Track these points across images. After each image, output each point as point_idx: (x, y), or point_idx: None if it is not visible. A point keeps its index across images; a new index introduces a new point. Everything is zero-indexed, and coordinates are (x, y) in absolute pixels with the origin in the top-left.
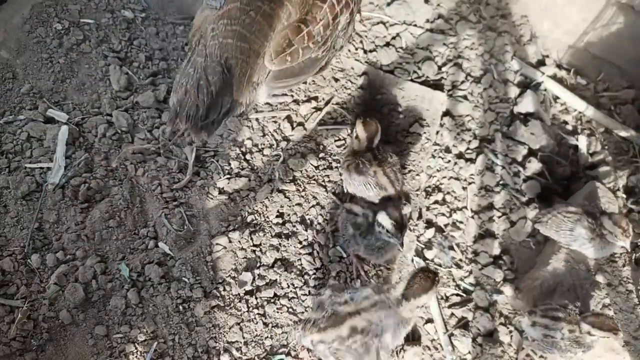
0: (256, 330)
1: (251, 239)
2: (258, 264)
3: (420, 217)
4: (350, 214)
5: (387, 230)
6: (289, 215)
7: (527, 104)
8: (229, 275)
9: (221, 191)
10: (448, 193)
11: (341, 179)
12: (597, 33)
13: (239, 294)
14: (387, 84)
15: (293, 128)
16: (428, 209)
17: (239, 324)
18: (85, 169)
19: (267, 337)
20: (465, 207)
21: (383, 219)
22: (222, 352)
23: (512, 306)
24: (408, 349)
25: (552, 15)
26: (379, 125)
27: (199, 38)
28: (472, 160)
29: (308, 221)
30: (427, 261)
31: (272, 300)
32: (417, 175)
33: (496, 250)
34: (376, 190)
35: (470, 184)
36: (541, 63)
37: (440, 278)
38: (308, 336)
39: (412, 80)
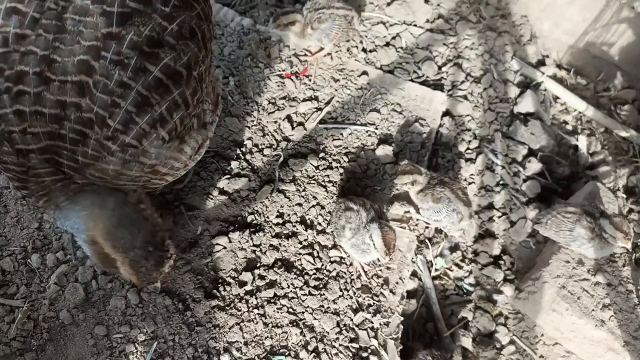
0: (256, 330)
1: (251, 239)
2: (258, 264)
3: None
4: (346, 208)
5: (375, 248)
6: (289, 215)
7: (527, 104)
8: (229, 275)
9: (221, 191)
10: None
11: (342, 179)
12: (597, 33)
13: (239, 294)
14: (387, 84)
15: (293, 128)
16: None
17: (239, 324)
18: None
19: (267, 337)
20: None
21: (376, 237)
22: (222, 352)
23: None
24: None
25: (552, 15)
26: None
27: None
28: (472, 160)
29: (308, 221)
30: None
31: (272, 300)
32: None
33: (496, 250)
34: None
35: (470, 184)
36: (541, 63)
37: None
38: None
39: (412, 80)
